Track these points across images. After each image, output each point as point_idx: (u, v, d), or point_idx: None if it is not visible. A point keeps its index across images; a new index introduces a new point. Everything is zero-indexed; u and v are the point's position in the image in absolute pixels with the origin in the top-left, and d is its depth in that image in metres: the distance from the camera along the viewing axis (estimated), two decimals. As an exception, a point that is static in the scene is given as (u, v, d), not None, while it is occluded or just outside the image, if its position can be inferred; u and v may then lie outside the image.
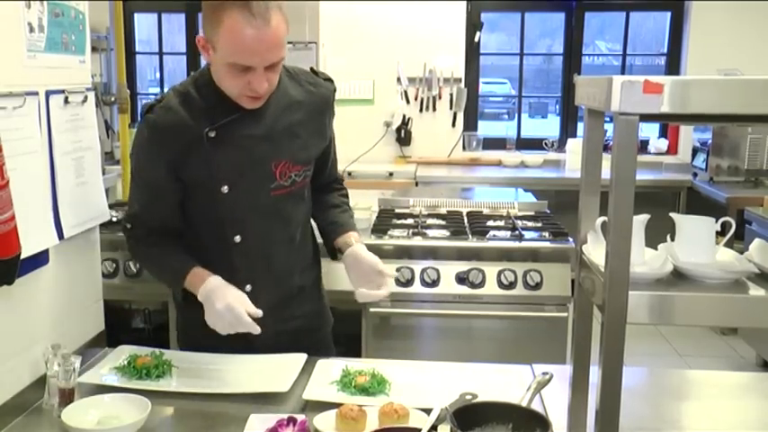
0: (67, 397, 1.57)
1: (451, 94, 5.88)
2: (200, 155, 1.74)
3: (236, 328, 1.69)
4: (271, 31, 1.60)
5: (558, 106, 6.64)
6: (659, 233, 1.34)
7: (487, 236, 2.94)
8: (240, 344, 1.81)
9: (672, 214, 1.30)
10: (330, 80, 1.94)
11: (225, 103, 1.73)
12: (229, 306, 1.68)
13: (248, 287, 1.83)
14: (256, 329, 1.67)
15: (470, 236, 2.95)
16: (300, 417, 1.49)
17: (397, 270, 2.74)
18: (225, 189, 1.76)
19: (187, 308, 1.83)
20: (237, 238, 1.81)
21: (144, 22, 6.63)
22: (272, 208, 1.82)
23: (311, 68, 1.93)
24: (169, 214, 1.84)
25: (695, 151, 5.51)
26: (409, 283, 2.79)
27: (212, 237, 1.83)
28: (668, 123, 5.33)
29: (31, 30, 1.64)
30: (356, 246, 1.90)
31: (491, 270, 2.81)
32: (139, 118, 1.81)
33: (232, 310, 1.67)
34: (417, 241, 2.90)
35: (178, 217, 1.85)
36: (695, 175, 5.36)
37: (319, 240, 2.05)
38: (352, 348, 2.73)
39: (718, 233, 1.28)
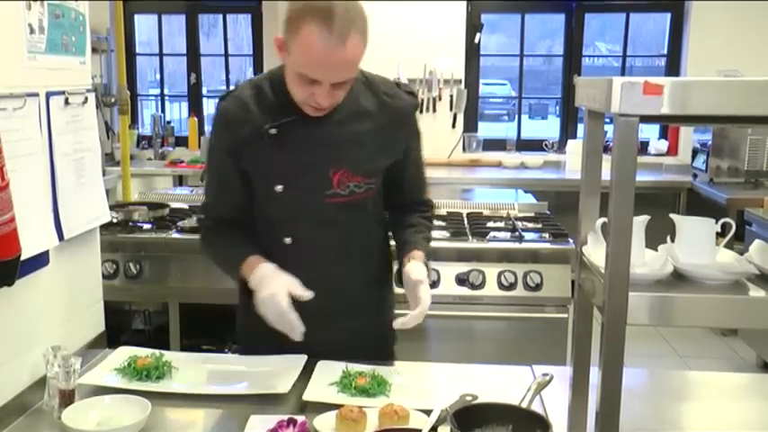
0: (68, 398, 1.57)
1: (452, 96, 5.89)
2: (259, 150, 1.74)
3: (280, 323, 1.65)
4: (344, 51, 1.55)
5: (558, 107, 6.64)
6: (659, 234, 1.34)
7: (488, 237, 2.94)
8: (294, 351, 1.79)
9: (672, 215, 1.30)
10: (412, 94, 1.85)
11: (292, 103, 1.71)
12: (272, 295, 1.64)
13: None
14: (297, 331, 1.63)
15: (470, 237, 2.95)
16: (300, 418, 1.49)
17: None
18: (279, 188, 1.75)
19: (248, 305, 1.79)
20: (288, 240, 1.79)
21: (144, 24, 6.64)
22: (326, 215, 1.77)
23: (395, 80, 1.86)
24: (236, 204, 1.83)
25: (695, 152, 5.51)
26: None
27: (266, 235, 1.83)
28: (668, 124, 5.33)
29: (32, 31, 1.64)
30: (409, 264, 1.79)
31: (491, 271, 2.81)
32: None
33: (273, 298, 1.64)
34: (417, 242, 2.90)
35: (246, 207, 1.83)
36: (695, 176, 5.36)
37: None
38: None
39: (718, 234, 1.28)
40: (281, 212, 1.79)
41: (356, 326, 1.87)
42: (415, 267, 1.77)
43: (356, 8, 1.58)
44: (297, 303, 1.74)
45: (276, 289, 1.66)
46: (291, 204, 1.77)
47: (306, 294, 1.65)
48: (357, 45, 1.58)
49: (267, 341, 1.75)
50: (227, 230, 1.85)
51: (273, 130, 1.72)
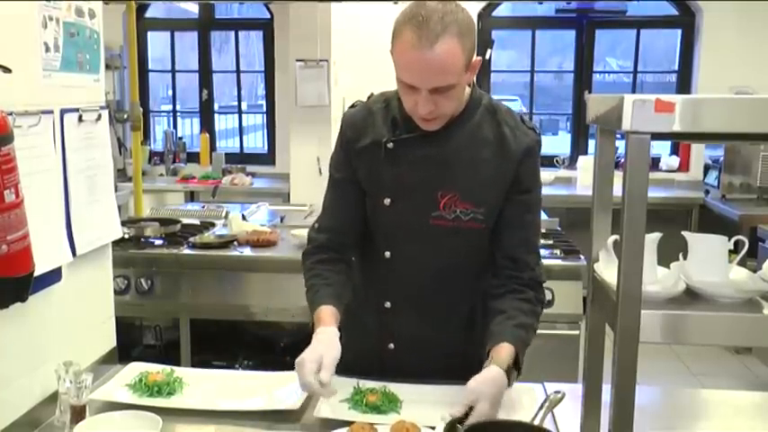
0: (79, 414, 1.57)
1: (462, 112, 5.88)
2: (375, 161, 1.76)
3: (305, 389, 1.60)
4: (434, 55, 1.53)
5: (568, 123, 6.64)
6: (671, 251, 1.33)
7: (498, 253, 2.93)
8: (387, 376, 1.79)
9: (684, 233, 1.29)
10: (534, 131, 1.77)
11: (414, 121, 1.70)
12: (301, 361, 1.57)
13: (388, 304, 1.82)
14: (324, 394, 1.59)
15: (481, 253, 2.93)
16: (311, 435, 1.49)
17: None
18: (387, 201, 1.76)
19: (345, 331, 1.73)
20: (388, 254, 1.80)
21: (157, 40, 6.69)
22: (428, 236, 1.74)
23: (521, 116, 1.79)
24: (347, 215, 1.82)
25: (707, 168, 5.49)
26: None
27: (369, 246, 1.84)
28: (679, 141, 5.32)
29: (47, 49, 1.66)
30: (486, 368, 1.61)
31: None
32: None
33: (301, 367, 1.56)
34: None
35: (357, 219, 1.81)
36: (707, 192, 5.34)
37: None
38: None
39: (731, 251, 1.27)
40: (386, 226, 1.79)
41: (445, 358, 1.82)
42: (477, 379, 1.58)
43: (455, 14, 1.57)
44: (390, 321, 1.81)
45: (307, 357, 1.58)
46: (396, 219, 1.77)
47: (326, 378, 1.56)
48: (449, 50, 1.55)
49: (358, 364, 1.78)
50: (327, 259, 1.82)
51: (391, 144, 1.74)
